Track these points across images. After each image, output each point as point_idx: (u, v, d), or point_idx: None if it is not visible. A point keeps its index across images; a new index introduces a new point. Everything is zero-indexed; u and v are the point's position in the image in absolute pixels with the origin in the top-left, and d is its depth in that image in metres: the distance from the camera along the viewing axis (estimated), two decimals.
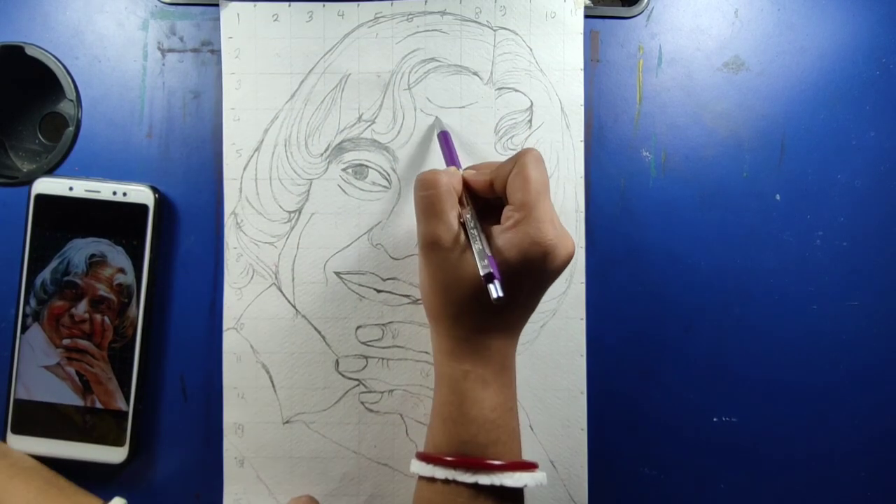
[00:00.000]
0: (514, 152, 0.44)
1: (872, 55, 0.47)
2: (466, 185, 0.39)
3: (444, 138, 0.44)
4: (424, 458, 0.38)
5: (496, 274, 0.34)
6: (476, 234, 0.36)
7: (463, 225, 0.38)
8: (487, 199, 0.39)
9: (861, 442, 0.46)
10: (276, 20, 0.46)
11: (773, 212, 0.46)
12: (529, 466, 0.38)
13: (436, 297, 0.38)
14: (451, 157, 0.43)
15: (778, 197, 0.47)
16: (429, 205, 0.37)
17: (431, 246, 0.37)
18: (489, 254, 0.35)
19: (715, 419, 0.46)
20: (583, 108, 0.46)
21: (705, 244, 0.46)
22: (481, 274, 0.34)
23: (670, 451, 0.46)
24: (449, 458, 0.37)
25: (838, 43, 0.47)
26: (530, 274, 0.36)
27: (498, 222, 0.37)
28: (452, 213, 0.37)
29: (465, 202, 0.39)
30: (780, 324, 0.46)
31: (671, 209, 0.46)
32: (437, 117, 0.45)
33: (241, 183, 0.46)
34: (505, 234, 0.36)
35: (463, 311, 0.37)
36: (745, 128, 0.47)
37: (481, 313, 0.37)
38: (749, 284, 0.46)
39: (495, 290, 0.33)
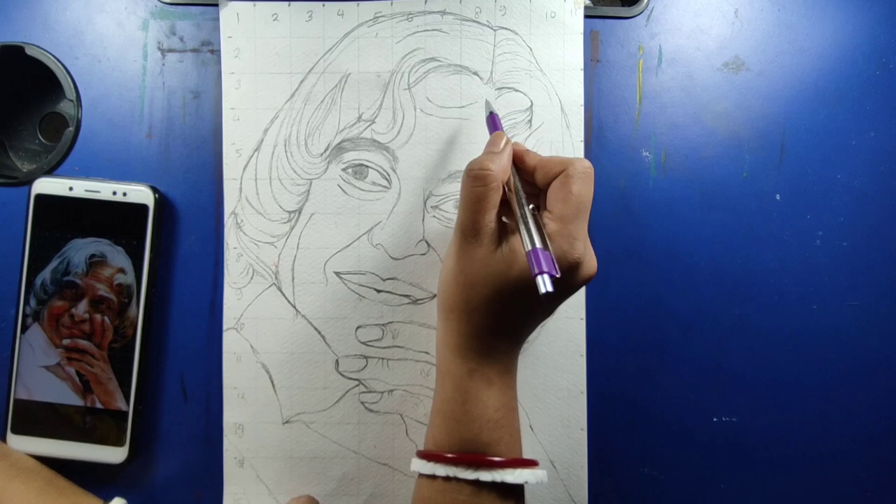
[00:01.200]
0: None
1: (872, 55, 0.47)
2: (515, 161, 0.39)
3: (493, 120, 0.43)
4: (425, 455, 0.38)
5: (555, 269, 0.33)
6: (531, 223, 0.35)
7: (503, 223, 0.38)
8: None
9: (861, 442, 0.46)
10: (275, 20, 0.46)
11: (773, 212, 0.46)
12: (530, 464, 0.38)
13: (458, 289, 0.38)
14: (495, 126, 0.42)
15: (778, 197, 0.47)
16: (476, 198, 0.37)
17: (467, 235, 0.37)
18: (547, 247, 0.34)
19: (715, 419, 0.46)
20: (583, 108, 0.46)
21: (705, 244, 0.46)
22: (538, 267, 0.33)
23: (670, 451, 0.46)
24: (450, 455, 0.37)
25: (838, 43, 0.47)
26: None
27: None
28: (495, 209, 0.37)
29: (513, 184, 0.38)
30: (780, 324, 0.46)
31: (671, 209, 0.46)
32: (487, 100, 0.45)
33: (240, 183, 0.46)
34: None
35: (481, 308, 0.37)
36: (745, 128, 0.47)
37: (497, 314, 0.37)
38: (749, 284, 0.46)
39: (544, 285, 0.32)
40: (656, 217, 0.46)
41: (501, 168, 0.38)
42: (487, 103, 0.45)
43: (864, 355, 0.46)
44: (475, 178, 0.37)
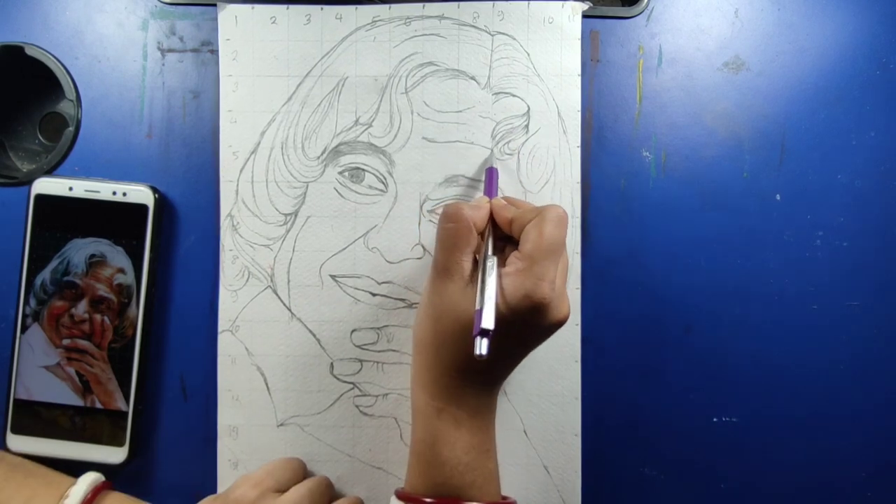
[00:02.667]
0: (511, 157, 0.45)
1: (872, 55, 0.47)
2: (492, 215, 0.40)
3: (489, 174, 0.44)
4: (403, 497, 0.38)
5: (490, 333, 0.34)
6: (489, 281, 0.35)
7: (476, 263, 0.38)
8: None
9: (861, 442, 0.46)
10: (273, 23, 0.46)
11: (773, 212, 0.46)
12: None
13: (427, 322, 0.38)
14: (489, 190, 0.43)
15: (778, 197, 0.46)
16: (447, 237, 0.38)
17: (440, 274, 0.38)
18: (493, 311, 0.34)
19: (715, 419, 0.46)
20: (580, 113, 0.46)
21: (705, 244, 0.46)
22: (480, 325, 0.34)
23: (670, 451, 0.46)
24: (425, 500, 0.37)
25: (838, 43, 0.47)
26: (515, 326, 0.36)
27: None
28: (467, 249, 0.38)
29: (486, 237, 0.39)
30: (780, 324, 0.46)
31: (671, 209, 0.46)
32: (491, 150, 0.45)
33: (237, 185, 0.46)
34: (502, 279, 0.36)
35: (447, 343, 0.37)
36: (745, 128, 0.47)
37: (463, 353, 0.37)
38: (749, 284, 0.46)
39: (479, 347, 0.33)
40: (656, 217, 0.46)
41: (477, 215, 0.38)
42: (491, 154, 0.45)
43: (863, 355, 0.46)
44: (447, 216, 0.38)
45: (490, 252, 0.38)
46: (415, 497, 0.38)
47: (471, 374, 0.38)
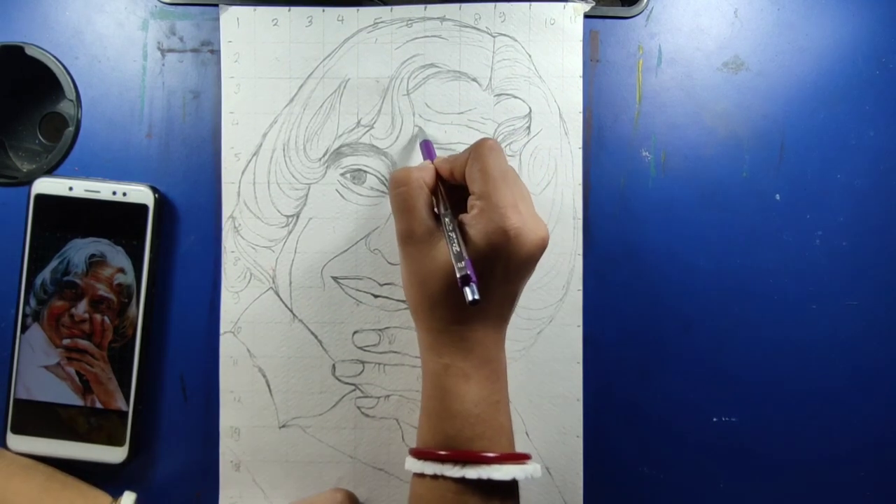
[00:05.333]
0: (513, 158, 0.46)
1: (872, 55, 0.47)
2: (439, 176, 0.40)
3: (426, 146, 0.44)
4: (415, 453, 0.38)
5: (473, 276, 0.34)
6: (452, 234, 0.36)
7: (438, 218, 0.38)
8: (465, 189, 0.40)
9: (861, 442, 0.46)
10: (275, 25, 0.46)
11: (772, 212, 0.46)
12: (520, 458, 0.37)
13: (413, 290, 0.39)
14: (428, 155, 0.43)
15: (778, 197, 0.47)
16: (401, 201, 0.38)
17: (406, 240, 0.38)
18: (466, 256, 0.35)
19: (715, 419, 0.46)
20: (581, 115, 0.46)
21: (705, 244, 0.46)
22: (458, 276, 0.34)
23: (670, 452, 0.46)
24: (437, 452, 0.37)
25: (838, 43, 0.47)
26: (498, 260, 0.36)
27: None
28: (424, 207, 0.38)
29: (440, 196, 0.39)
30: (780, 324, 0.46)
31: (671, 209, 0.46)
32: (419, 128, 0.46)
33: (239, 187, 0.46)
34: (470, 222, 0.37)
35: (439, 302, 0.37)
36: (745, 128, 0.47)
37: (458, 305, 0.37)
38: (749, 284, 0.46)
39: (471, 293, 0.34)
40: (656, 217, 0.46)
41: (422, 174, 0.39)
42: (420, 130, 0.45)
43: (863, 355, 0.46)
44: (396, 181, 0.39)
45: (445, 206, 0.38)
46: (427, 451, 0.37)
47: (472, 322, 0.38)
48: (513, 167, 0.39)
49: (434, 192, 0.40)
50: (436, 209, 0.39)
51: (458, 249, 0.35)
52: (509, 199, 0.36)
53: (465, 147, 0.45)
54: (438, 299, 0.37)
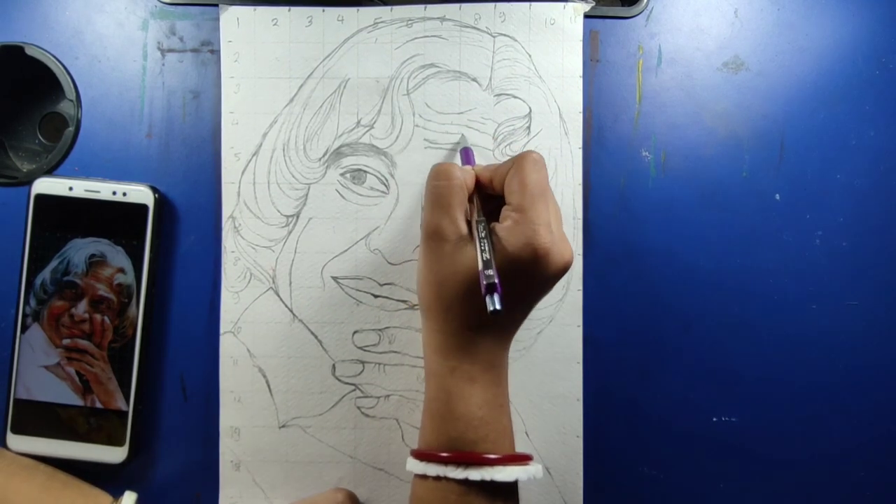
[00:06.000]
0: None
1: (872, 55, 0.47)
2: (477, 182, 0.40)
3: (466, 153, 0.44)
4: (417, 455, 0.38)
5: (499, 287, 0.34)
6: (484, 241, 0.36)
7: (469, 223, 0.38)
8: (499, 199, 0.40)
9: (861, 441, 0.46)
10: (275, 24, 0.46)
11: (772, 212, 0.46)
12: (522, 459, 0.37)
13: (430, 288, 0.38)
14: (468, 161, 0.43)
15: (777, 197, 0.47)
16: (439, 195, 0.38)
17: (433, 235, 0.38)
18: (495, 266, 0.35)
19: (715, 419, 0.46)
20: (581, 115, 0.46)
21: (705, 244, 0.46)
22: (483, 283, 0.34)
23: (670, 451, 0.46)
24: (440, 454, 0.37)
25: (838, 43, 0.47)
26: (522, 275, 0.36)
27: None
28: (460, 208, 0.38)
29: (475, 202, 0.39)
30: (780, 324, 0.46)
31: (671, 209, 0.46)
32: (462, 135, 0.45)
33: (238, 187, 0.46)
34: (500, 234, 0.36)
35: (454, 306, 0.37)
36: (745, 127, 0.47)
37: (472, 310, 0.37)
38: (748, 284, 0.46)
39: (494, 303, 0.34)
40: (656, 217, 0.46)
41: (465, 174, 0.39)
42: (462, 137, 0.45)
43: (863, 355, 0.46)
44: (438, 174, 0.38)
45: (480, 213, 0.38)
46: (430, 452, 0.37)
47: (483, 329, 0.38)
48: (547, 184, 0.38)
49: (470, 196, 0.39)
50: (469, 214, 0.39)
51: (489, 258, 0.35)
52: (544, 216, 0.36)
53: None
54: (454, 302, 0.37)
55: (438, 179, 0.38)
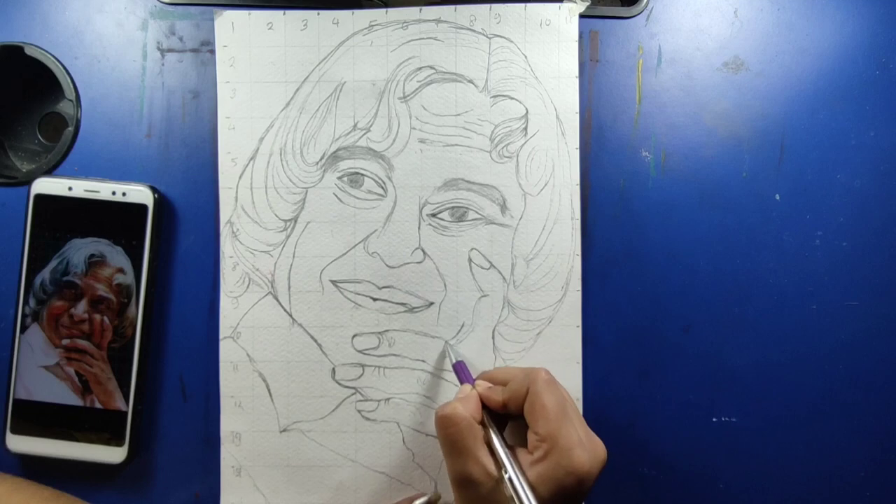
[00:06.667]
0: (510, 160, 0.45)
1: (872, 55, 0.47)
2: (482, 401, 0.40)
3: (459, 368, 0.43)
4: None
5: None
6: (519, 487, 0.35)
7: (493, 453, 0.37)
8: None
9: (860, 442, 0.46)
10: (270, 29, 0.46)
11: (772, 212, 0.46)
12: None
13: None
14: (465, 380, 0.42)
15: (777, 197, 0.46)
16: (453, 443, 0.37)
17: (465, 484, 0.37)
18: None
19: (715, 419, 0.46)
20: (578, 115, 0.46)
21: (705, 244, 0.46)
22: None
23: (670, 451, 0.46)
24: None
25: (838, 43, 0.47)
26: (570, 501, 0.35)
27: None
28: (480, 447, 0.37)
29: (488, 425, 0.38)
30: (780, 324, 0.46)
31: (671, 209, 0.46)
32: (446, 342, 0.45)
33: (236, 192, 0.46)
34: (536, 468, 0.36)
35: None
36: (745, 128, 0.47)
37: None
38: (748, 284, 0.46)
39: None
40: (656, 217, 0.46)
41: (471, 407, 0.38)
42: (448, 347, 0.45)
43: (863, 355, 0.46)
44: (444, 420, 0.37)
45: (501, 445, 0.37)
46: None
47: None
48: (565, 397, 0.38)
49: (480, 421, 0.38)
50: (493, 446, 0.37)
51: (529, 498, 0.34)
52: (574, 437, 0.36)
53: (464, 148, 0.45)
54: None
55: (447, 428, 0.37)
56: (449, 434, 0.37)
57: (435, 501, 0.44)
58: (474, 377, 0.43)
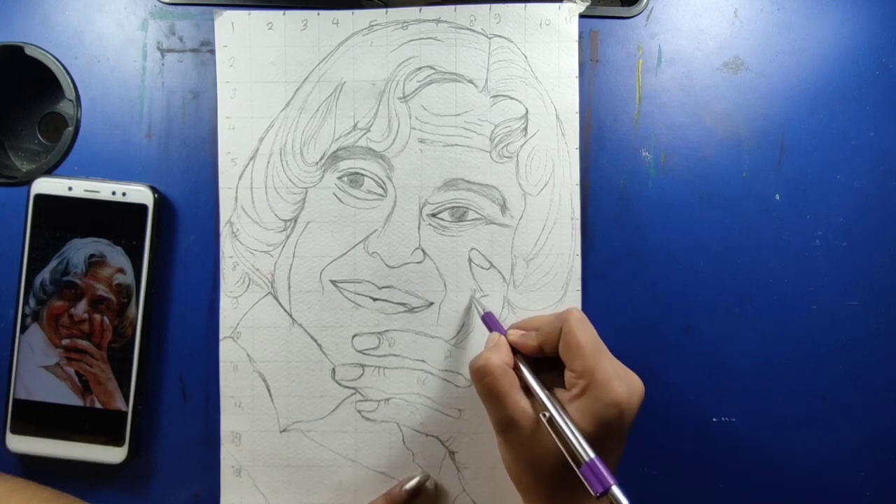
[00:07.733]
0: (510, 160, 0.45)
1: (872, 55, 0.47)
2: (516, 348, 0.40)
3: (489, 319, 0.43)
4: None
5: (611, 479, 0.33)
6: (567, 431, 0.35)
7: (532, 396, 0.37)
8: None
9: (860, 442, 0.46)
10: (270, 29, 0.46)
11: (772, 212, 0.46)
12: None
13: (524, 475, 0.38)
14: (494, 328, 0.43)
15: (777, 197, 0.46)
16: (489, 391, 0.38)
17: (507, 428, 0.37)
18: (591, 453, 0.34)
19: (715, 419, 0.46)
20: (577, 115, 0.46)
21: (705, 244, 0.46)
22: (582, 475, 0.33)
23: (670, 451, 0.46)
24: None
25: (838, 43, 0.47)
26: (614, 434, 0.36)
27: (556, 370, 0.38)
28: (518, 392, 0.37)
29: (523, 369, 0.38)
30: (780, 324, 0.46)
31: (671, 209, 0.46)
32: (472, 295, 0.45)
33: (236, 192, 0.46)
34: (576, 403, 0.36)
35: (556, 486, 0.37)
36: (745, 128, 0.47)
37: (576, 483, 0.35)
38: (749, 284, 0.46)
39: (596, 488, 0.33)
40: (656, 217, 0.46)
41: (504, 355, 0.39)
42: (475, 301, 0.45)
43: (863, 355, 0.46)
44: (478, 371, 0.38)
45: (539, 386, 0.37)
46: None
47: (586, 496, 0.36)
48: (597, 335, 0.38)
49: (516, 367, 0.39)
50: (532, 389, 0.38)
51: (581, 447, 0.34)
52: (610, 369, 0.36)
53: (464, 148, 0.45)
54: (555, 482, 0.37)
55: (482, 378, 0.38)
56: (486, 384, 0.38)
57: (424, 481, 0.45)
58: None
